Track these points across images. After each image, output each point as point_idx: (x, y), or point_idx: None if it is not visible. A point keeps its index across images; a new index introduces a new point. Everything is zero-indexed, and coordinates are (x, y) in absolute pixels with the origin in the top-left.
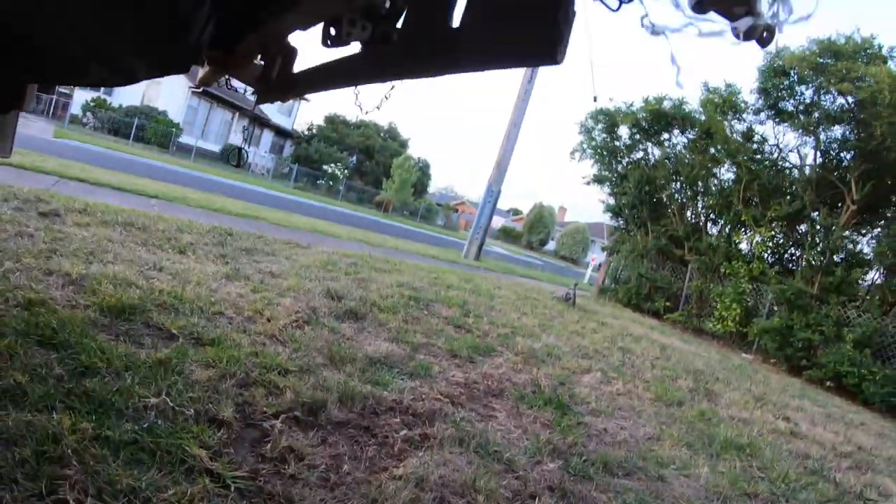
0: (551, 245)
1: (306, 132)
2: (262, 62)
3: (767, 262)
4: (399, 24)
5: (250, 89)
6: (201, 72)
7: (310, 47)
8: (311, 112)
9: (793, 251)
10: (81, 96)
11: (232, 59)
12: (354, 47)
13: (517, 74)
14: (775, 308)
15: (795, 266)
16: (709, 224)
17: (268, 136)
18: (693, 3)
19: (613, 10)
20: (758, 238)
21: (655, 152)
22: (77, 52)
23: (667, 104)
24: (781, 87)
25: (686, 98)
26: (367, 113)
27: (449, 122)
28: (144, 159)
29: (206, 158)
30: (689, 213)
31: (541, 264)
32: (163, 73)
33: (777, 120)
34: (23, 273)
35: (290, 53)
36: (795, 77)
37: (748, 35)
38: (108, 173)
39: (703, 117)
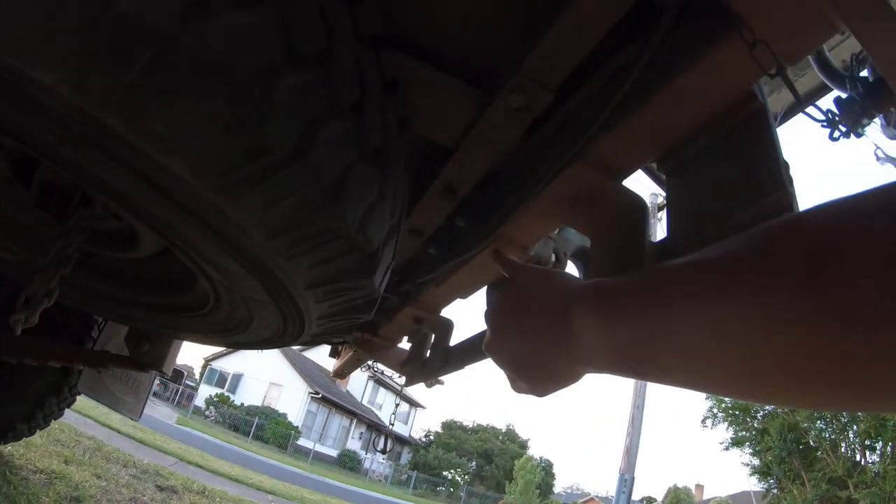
0: None
1: (424, 439)
2: (410, 342)
3: None
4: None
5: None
6: (338, 362)
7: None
8: (427, 419)
9: None
10: (206, 391)
11: (377, 340)
12: None
13: None
14: None
15: None
16: (867, 452)
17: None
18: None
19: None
20: None
21: None
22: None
23: None
24: None
25: None
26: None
27: (565, 414)
28: (262, 457)
29: (323, 462)
30: (843, 448)
31: None
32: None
33: None
34: None
35: (447, 326)
36: None
37: None
38: (226, 464)
39: None
